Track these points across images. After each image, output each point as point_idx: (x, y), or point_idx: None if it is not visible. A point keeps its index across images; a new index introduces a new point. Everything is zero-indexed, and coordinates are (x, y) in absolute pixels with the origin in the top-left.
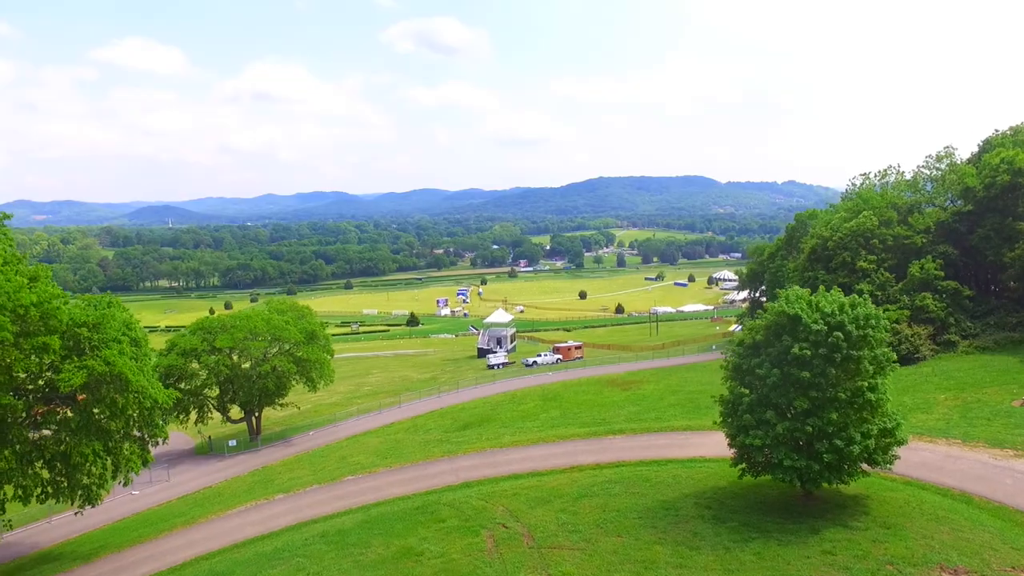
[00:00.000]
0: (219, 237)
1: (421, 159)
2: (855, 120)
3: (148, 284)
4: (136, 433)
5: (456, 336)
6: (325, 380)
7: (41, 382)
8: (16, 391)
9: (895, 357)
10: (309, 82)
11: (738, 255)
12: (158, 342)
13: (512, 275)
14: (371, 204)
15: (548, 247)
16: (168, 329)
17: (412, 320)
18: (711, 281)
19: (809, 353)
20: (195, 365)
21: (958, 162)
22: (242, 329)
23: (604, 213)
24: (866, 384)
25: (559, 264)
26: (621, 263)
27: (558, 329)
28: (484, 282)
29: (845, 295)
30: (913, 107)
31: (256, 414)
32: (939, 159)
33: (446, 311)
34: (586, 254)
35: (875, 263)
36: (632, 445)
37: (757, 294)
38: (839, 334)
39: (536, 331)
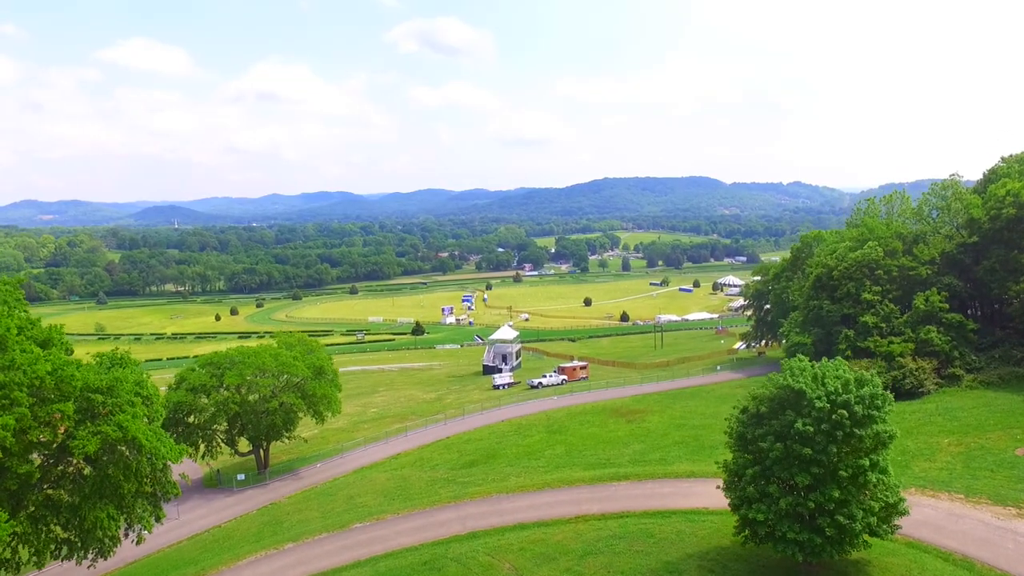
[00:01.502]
0: (225, 239)
1: (425, 159)
2: (862, 121)
3: (154, 288)
4: (148, 489)
5: (461, 346)
6: (332, 412)
7: (55, 445)
8: (31, 448)
9: (897, 433)
10: (313, 82)
11: (743, 259)
12: (165, 350)
13: (517, 280)
14: (376, 204)
15: (553, 250)
16: (175, 336)
17: (417, 329)
18: (716, 287)
19: (812, 430)
20: (204, 400)
21: (965, 187)
22: (251, 366)
23: (609, 214)
24: (867, 462)
25: (564, 268)
26: (626, 267)
27: (563, 339)
28: (489, 287)
29: (849, 327)
30: (921, 108)
31: (264, 447)
32: (944, 187)
33: (451, 319)
34: (591, 257)
35: (880, 294)
36: (636, 493)
37: (762, 313)
38: (843, 412)
39: (541, 340)
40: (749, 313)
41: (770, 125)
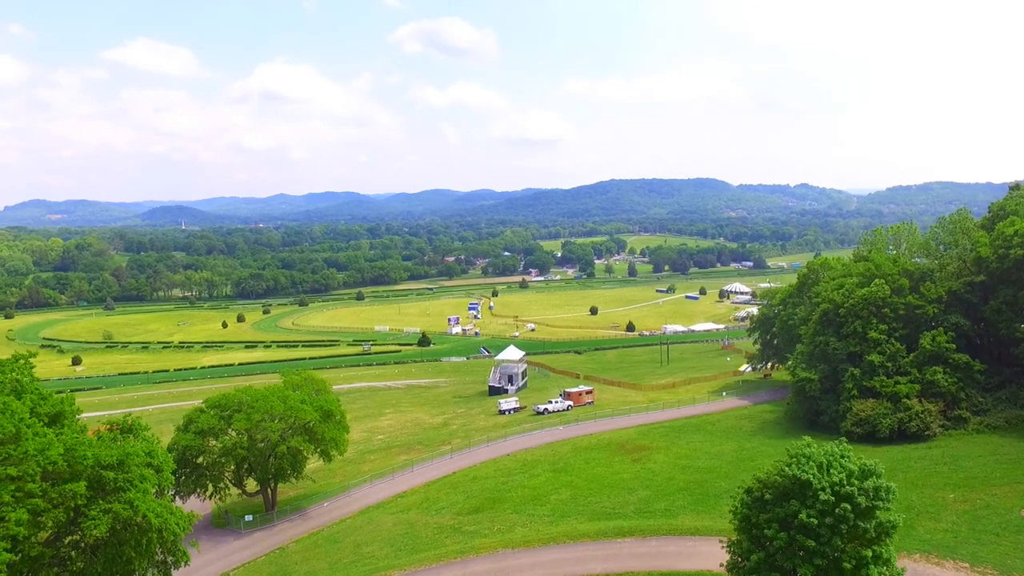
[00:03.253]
0: (232, 242)
1: (432, 159)
2: (869, 123)
3: (161, 294)
4: (159, 559)
5: (467, 359)
6: (339, 453)
7: (66, 520)
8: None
9: (900, 522)
10: (319, 83)
11: (750, 264)
12: (172, 360)
13: (523, 286)
14: (382, 204)
15: (559, 254)
16: (182, 345)
17: (424, 340)
18: (722, 294)
19: (816, 522)
20: (213, 442)
21: (974, 218)
22: (259, 410)
23: (615, 216)
24: (870, 553)
25: (570, 273)
26: (632, 273)
27: (569, 351)
28: (495, 293)
29: (856, 364)
30: (929, 110)
31: (272, 486)
32: (952, 221)
33: (457, 329)
34: (597, 262)
35: (886, 332)
36: (642, 551)
37: (768, 336)
38: (847, 506)
39: (547, 353)
40: (756, 336)
41: (777, 126)
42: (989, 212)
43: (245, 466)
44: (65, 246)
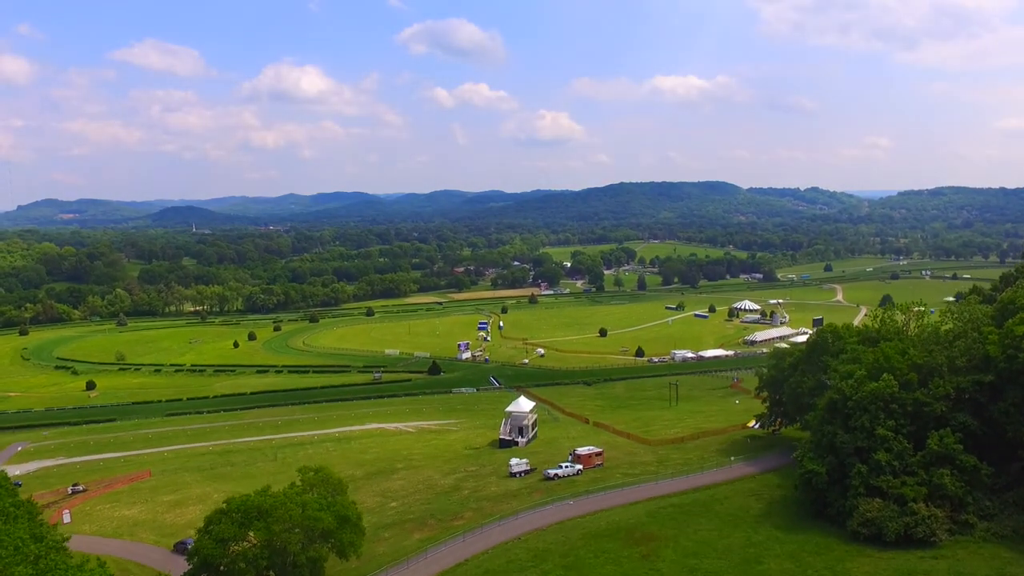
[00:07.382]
0: (242, 250)
1: (441, 160)
2: (880, 125)
3: (173, 308)
4: None
5: (477, 391)
6: (356, 554)
7: None
8: None
9: None
10: (326, 83)
11: (759, 276)
12: (184, 387)
13: (532, 300)
14: (392, 205)
15: (568, 264)
16: (194, 368)
17: (434, 368)
18: (732, 313)
19: None
20: (234, 547)
21: (982, 297)
22: (278, 519)
23: (624, 221)
24: None
25: (579, 285)
26: (642, 285)
27: (578, 382)
28: (504, 310)
29: (863, 460)
30: (939, 112)
31: None
32: (961, 309)
33: (467, 355)
34: (606, 272)
35: (894, 429)
36: None
37: (778, 396)
38: None
39: (556, 384)
40: (764, 395)
41: (788, 128)
42: (1000, 297)
43: (264, 566)
44: (78, 255)
